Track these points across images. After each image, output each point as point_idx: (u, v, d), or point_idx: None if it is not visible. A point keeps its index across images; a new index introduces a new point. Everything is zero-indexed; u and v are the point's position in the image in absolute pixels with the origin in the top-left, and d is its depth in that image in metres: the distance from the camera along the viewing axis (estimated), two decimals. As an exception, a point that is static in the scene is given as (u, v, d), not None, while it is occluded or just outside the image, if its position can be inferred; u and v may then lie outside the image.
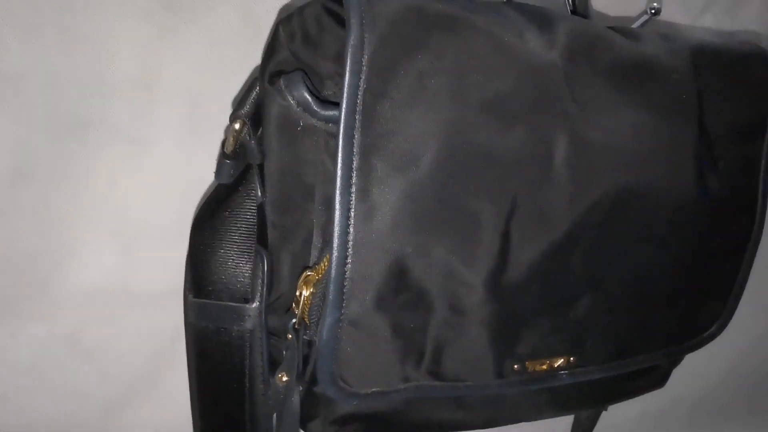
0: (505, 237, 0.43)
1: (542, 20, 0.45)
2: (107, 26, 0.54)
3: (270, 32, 0.41)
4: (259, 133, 0.41)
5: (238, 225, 0.45)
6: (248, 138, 0.41)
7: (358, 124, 0.37)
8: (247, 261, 0.46)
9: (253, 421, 0.48)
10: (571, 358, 0.51)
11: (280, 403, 0.45)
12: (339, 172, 0.38)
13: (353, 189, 0.38)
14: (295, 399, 0.45)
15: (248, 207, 0.45)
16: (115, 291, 0.60)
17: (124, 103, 0.56)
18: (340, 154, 0.37)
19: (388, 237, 0.40)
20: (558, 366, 0.51)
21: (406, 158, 0.39)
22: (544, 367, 0.51)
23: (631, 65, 0.47)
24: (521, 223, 0.43)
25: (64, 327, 0.59)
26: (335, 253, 0.39)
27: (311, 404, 0.49)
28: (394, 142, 0.39)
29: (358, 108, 0.37)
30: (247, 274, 0.46)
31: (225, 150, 0.41)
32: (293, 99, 0.39)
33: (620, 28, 0.51)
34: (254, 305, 0.46)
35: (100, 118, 0.56)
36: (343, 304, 0.40)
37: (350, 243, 0.39)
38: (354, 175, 0.38)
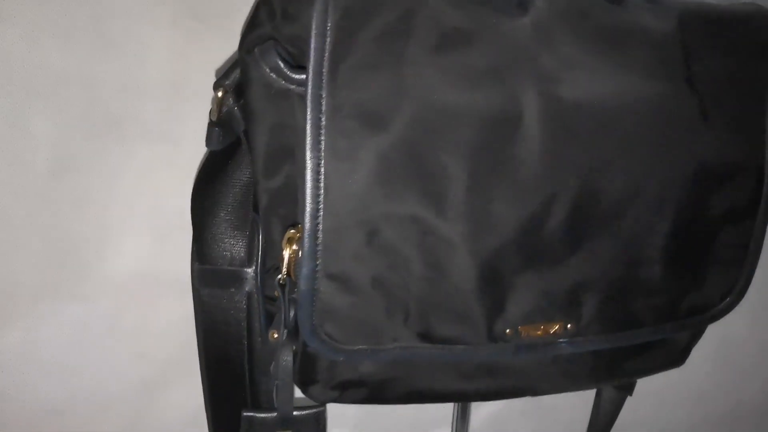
0: (478, 192, 0.44)
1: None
2: (138, 32, 0.60)
3: (251, 9, 0.45)
4: (242, 101, 0.45)
5: (233, 193, 0.49)
6: (232, 105, 0.45)
7: (324, 85, 0.40)
8: (243, 227, 0.49)
9: (252, 381, 0.50)
10: (569, 325, 0.51)
11: (274, 361, 0.47)
12: (308, 131, 0.41)
13: (322, 146, 0.41)
14: (287, 357, 0.47)
15: (242, 175, 0.49)
16: (150, 277, 0.65)
17: (155, 103, 0.62)
18: (308, 114, 0.40)
19: (359, 192, 0.42)
20: (555, 333, 0.51)
21: (373, 117, 0.41)
22: (539, 332, 0.50)
23: (611, 29, 0.48)
24: (493, 178, 0.44)
25: (104, 309, 0.64)
26: (307, 207, 0.41)
27: (310, 368, 0.51)
28: (361, 102, 0.41)
29: (324, 70, 0.40)
30: (244, 241, 0.49)
31: (211, 118, 0.45)
32: (267, 66, 0.42)
33: None
34: (251, 269, 0.49)
35: (133, 116, 0.62)
36: (317, 255, 0.42)
37: (321, 197, 0.41)
38: (322, 133, 0.41)
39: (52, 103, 0.58)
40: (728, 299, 0.56)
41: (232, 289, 0.49)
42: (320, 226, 0.42)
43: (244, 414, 0.49)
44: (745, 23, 0.52)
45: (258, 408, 0.51)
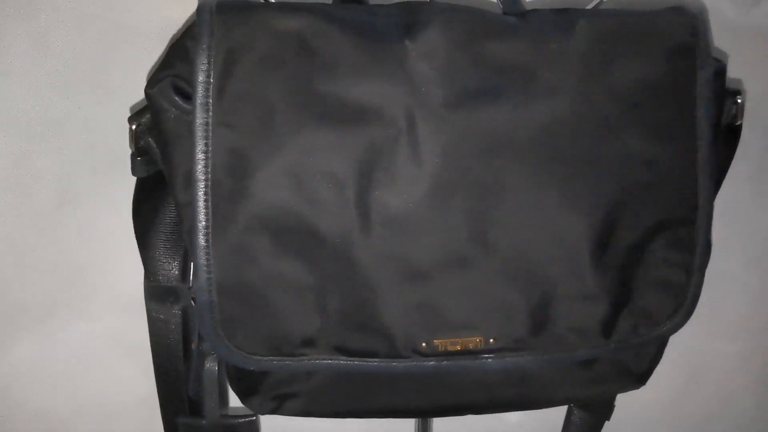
0: (362, 195, 0.46)
1: (411, 22, 0.48)
2: (135, 79, 0.67)
3: (162, 55, 0.51)
4: (154, 132, 0.50)
5: (168, 214, 0.54)
6: (146, 136, 0.50)
7: (209, 112, 0.45)
8: (179, 245, 0.54)
9: (188, 390, 0.54)
10: (491, 340, 0.51)
11: (200, 368, 0.51)
12: (196, 151, 0.45)
13: (210, 164, 0.45)
14: (211, 365, 0.51)
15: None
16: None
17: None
18: (196, 138, 0.45)
19: (243, 200, 0.46)
20: (475, 347, 0.51)
21: (256, 128, 0.46)
22: (458, 347, 0.50)
23: (509, 54, 0.48)
24: (377, 180, 0.46)
25: (109, 327, 0.71)
26: (198, 223, 0.45)
27: (246, 379, 0.54)
28: (244, 113, 0.46)
29: (211, 95, 0.45)
30: (179, 258, 0.54)
31: (131, 149, 0.51)
32: (165, 99, 0.47)
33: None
34: (185, 285, 0.54)
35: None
36: (209, 268, 0.46)
37: (209, 211, 0.45)
38: (210, 151, 0.45)
39: (54, 144, 0.66)
40: (676, 318, 0.52)
41: (169, 304, 0.54)
42: (210, 240, 0.46)
43: (179, 421, 0.53)
44: (661, 26, 0.50)
45: (195, 415, 0.55)
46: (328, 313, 0.49)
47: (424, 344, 0.50)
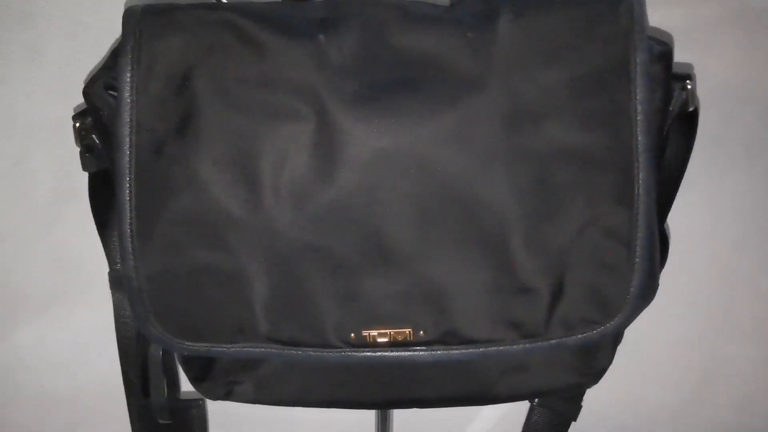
0: (280, 188, 0.48)
1: (329, 17, 0.49)
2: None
3: (103, 59, 0.54)
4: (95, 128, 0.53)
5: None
6: (90, 133, 0.53)
7: (133, 108, 0.49)
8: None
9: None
10: (420, 332, 0.51)
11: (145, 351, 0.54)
12: (120, 144, 0.49)
13: (134, 155, 0.49)
14: (154, 348, 0.54)
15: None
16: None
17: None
18: (120, 129, 0.49)
19: (165, 194, 0.48)
20: (405, 340, 0.51)
21: (176, 124, 0.49)
22: (387, 339, 0.51)
23: (423, 50, 0.48)
24: (294, 173, 0.48)
25: (106, 314, 0.76)
26: (123, 214, 0.49)
27: (196, 366, 0.57)
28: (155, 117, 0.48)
29: (133, 94, 0.49)
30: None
31: (77, 146, 0.54)
32: (99, 99, 0.51)
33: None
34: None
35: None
36: (133, 255, 0.49)
37: (132, 196, 0.48)
38: (132, 144, 0.49)
39: (50, 145, 0.71)
40: (615, 315, 0.50)
41: (123, 290, 0.57)
42: (134, 229, 0.48)
43: (131, 400, 0.56)
44: (593, 10, 0.48)
45: (147, 397, 0.58)
46: (256, 302, 0.50)
47: (353, 335, 0.51)
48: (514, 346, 0.51)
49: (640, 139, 0.48)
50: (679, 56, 0.59)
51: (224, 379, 0.57)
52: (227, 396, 0.57)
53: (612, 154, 0.48)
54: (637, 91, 0.48)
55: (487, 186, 0.48)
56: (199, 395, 0.58)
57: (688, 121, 0.53)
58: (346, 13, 0.48)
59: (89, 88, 0.51)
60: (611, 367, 0.75)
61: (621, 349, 0.75)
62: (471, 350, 0.51)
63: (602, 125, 0.48)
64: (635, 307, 0.50)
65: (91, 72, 0.67)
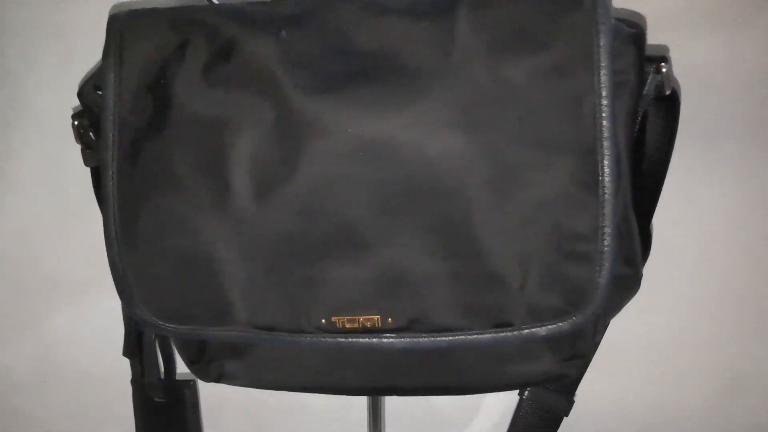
0: (244, 177, 0.50)
1: (292, 13, 0.51)
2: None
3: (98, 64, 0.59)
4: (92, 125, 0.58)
5: None
6: (87, 130, 0.57)
7: (116, 106, 0.52)
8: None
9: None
10: (389, 319, 0.51)
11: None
12: (107, 134, 0.53)
13: (117, 144, 0.53)
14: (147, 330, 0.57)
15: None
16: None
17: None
18: (107, 123, 0.53)
19: (142, 188, 0.52)
20: (374, 326, 0.51)
21: (154, 120, 0.52)
22: (356, 325, 0.52)
23: (376, 37, 0.49)
24: (256, 167, 0.50)
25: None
26: (109, 204, 0.52)
27: (189, 348, 0.60)
28: (144, 108, 0.52)
29: (116, 91, 0.52)
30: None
31: (77, 142, 0.59)
32: (90, 99, 0.55)
33: None
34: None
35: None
36: (115, 240, 0.53)
37: (114, 182, 0.52)
38: (116, 133, 0.53)
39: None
40: (590, 305, 0.49)
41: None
42: (116, 215, 0.52)
43: (131, 380, 0.60)
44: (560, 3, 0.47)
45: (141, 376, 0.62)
46: (234, 288, 0.52)
47: (323, 321, 0.52)
48: (484, 335, 0.50)
49: (605, 124, 0.47)
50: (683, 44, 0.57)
51: (216, 362, 0.60)
52: (219, 379, 0.60)
53: (573, 139, 0.47)
54: (601, 75, 0.47)
55: (450, 173, 0.48)
56: (193, 376, 0.61)
57: (668, 105, 0.51)
58: (310, 9, 0.50)
59: (82, 89, 0.55)
60: (637, 368, 0.73)
61: (647, 350, 0.73)
62: (440, 338, 0.51)
63: (563, 112, 0.47)
64: (607, 297, 0.49)
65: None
